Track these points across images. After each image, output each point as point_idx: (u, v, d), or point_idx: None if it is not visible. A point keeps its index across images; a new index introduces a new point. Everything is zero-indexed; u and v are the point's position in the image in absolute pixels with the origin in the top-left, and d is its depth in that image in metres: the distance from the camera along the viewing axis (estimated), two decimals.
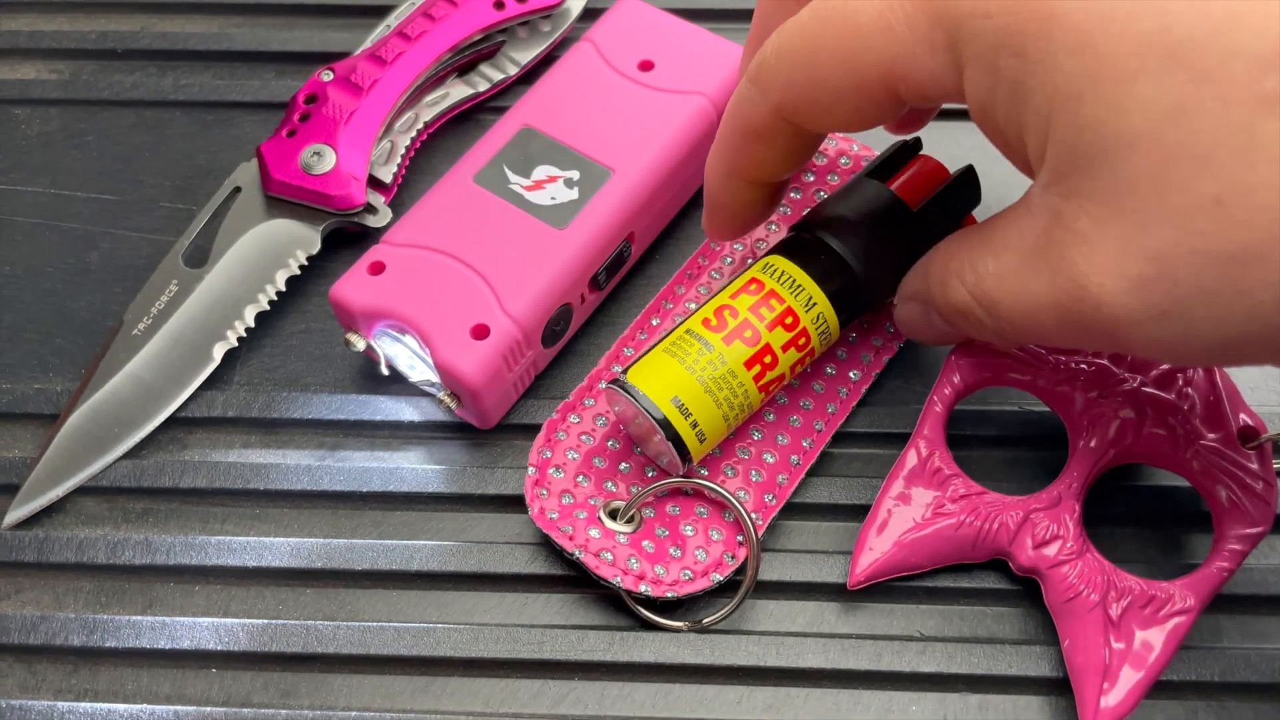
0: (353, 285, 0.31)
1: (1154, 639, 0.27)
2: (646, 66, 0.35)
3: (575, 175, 0.33)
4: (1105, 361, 0.30)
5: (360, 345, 0.32)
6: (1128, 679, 0.27)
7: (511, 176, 0.33)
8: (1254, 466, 0.29)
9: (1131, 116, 0.19)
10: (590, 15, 0.40)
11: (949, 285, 0.25)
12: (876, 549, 0.30)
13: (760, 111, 0.26)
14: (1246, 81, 0.18)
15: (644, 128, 0.34)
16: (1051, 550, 0.29)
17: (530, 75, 0.39)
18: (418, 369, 0.32)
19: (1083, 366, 0.30)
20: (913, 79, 0.23)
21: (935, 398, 0.31)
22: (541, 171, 0.33)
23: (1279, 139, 0.18)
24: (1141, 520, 0.31)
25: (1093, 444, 0.30)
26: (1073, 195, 0.21)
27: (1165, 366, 0.30)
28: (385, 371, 0.33)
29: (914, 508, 0.30)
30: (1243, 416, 0.29)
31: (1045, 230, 0.22)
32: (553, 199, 0.33)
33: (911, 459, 0.31)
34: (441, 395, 0.32)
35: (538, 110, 0.34)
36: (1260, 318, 0.19)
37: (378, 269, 0.32)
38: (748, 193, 0.29)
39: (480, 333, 0.31)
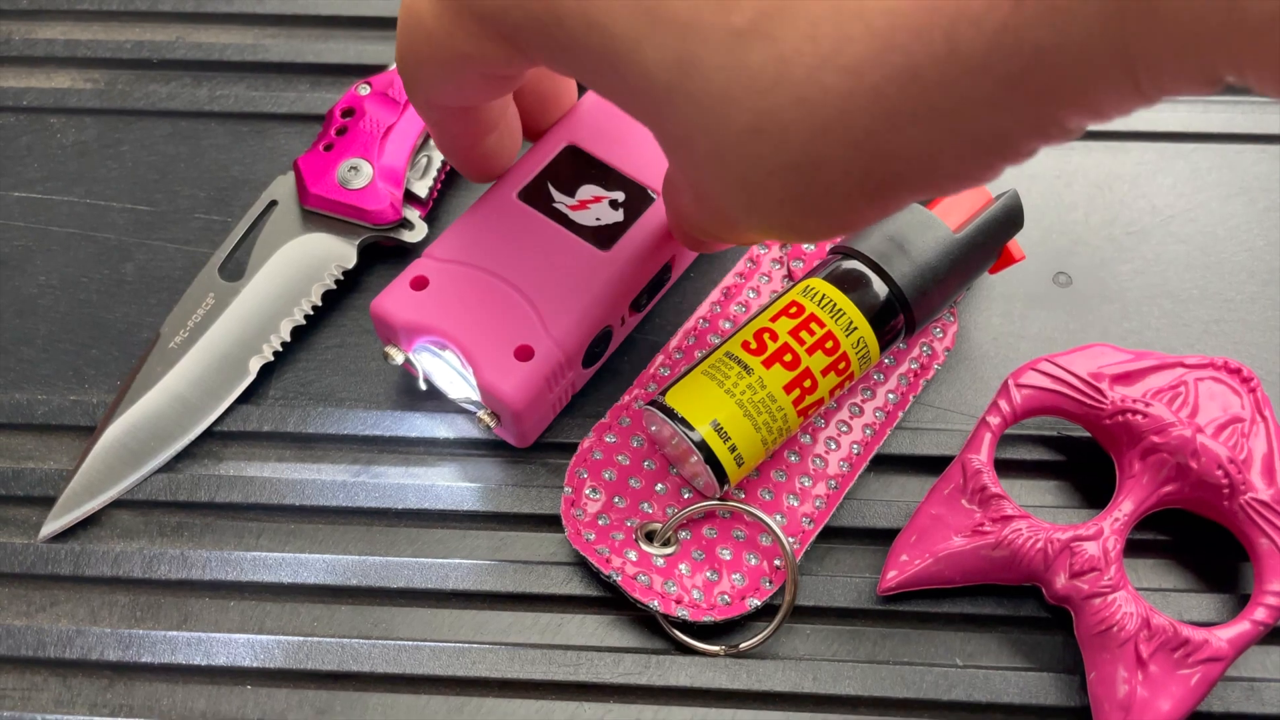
0: (395, 300, 0.31)
1: (1181, 683, 0.27)
2: None
3: (620, 197, 0.33)
4: (1161, 408, 0.30)
5: (399, 359, 0.32)
6: (1151, 716, 0.27)
7: (556, 195, 0.32)
8: None
9: (656, 76, 0.21)
10: None
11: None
12: (910, 558, 0.30)
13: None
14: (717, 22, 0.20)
15: None
16: (1087, 581, 0.29)
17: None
18: (456, 385, 0.32)
19: (1139, 407, 0.30)
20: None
21: (988, 419, 0.31)
22: (587, 191, 0.33)
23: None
24: (1182, 549, 0.31)
25: (1144, 481, 0.30)
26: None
27: (1222, 417, 0.30)
28: (423, 387, 0.32)
29: (953, 522, 0.30)
30: None
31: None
32: (597, 219, 0.32)
33: (957, 475, 0.30)
34: (481, 414, 0.31)
35: (582, 129, 0.34)
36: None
37: (420, 284, 0.31)
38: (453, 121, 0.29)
39: (524, 354, 0.30)
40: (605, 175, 0.33)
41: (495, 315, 0.30)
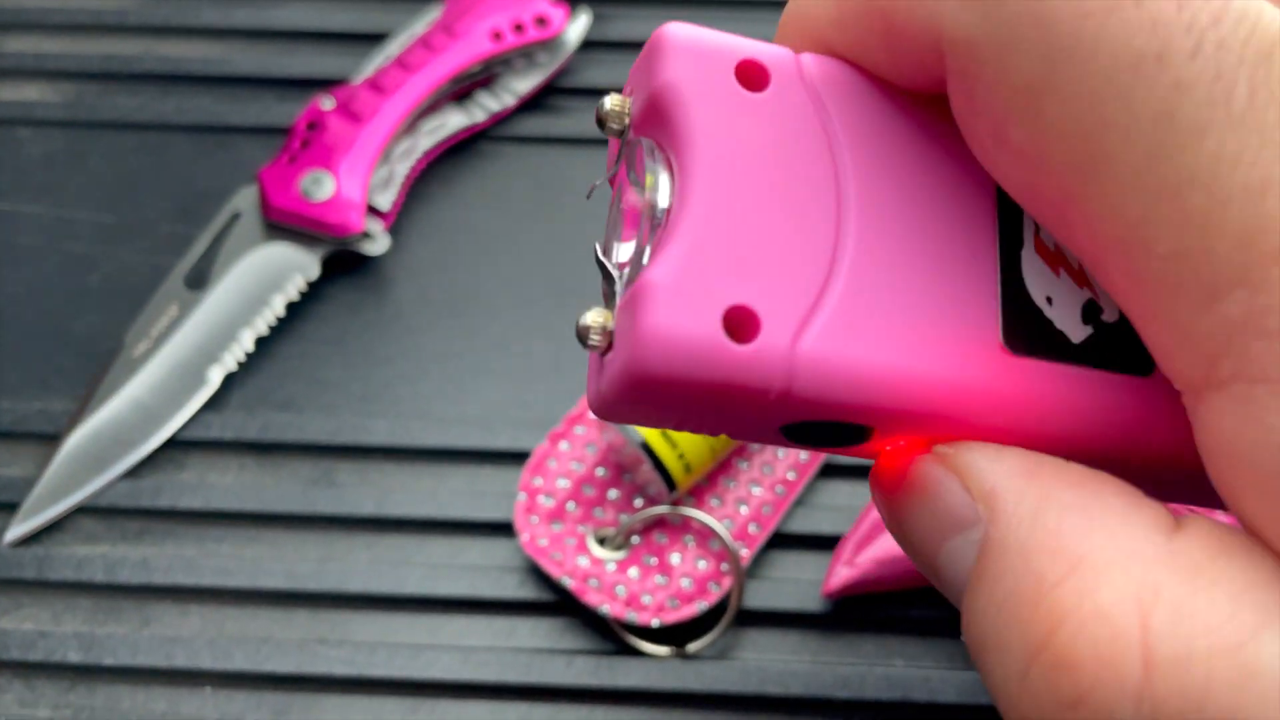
0: (701, 56, 0.17)
1: None
2: None
3: (1112, 317, 0.18)
4: None
5: (615, 112, 0.18)
6: None
7: (1029, 226, 0.18)
8: None
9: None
10: (589, 47, 0.41)
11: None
12: (854, 563, 0.31)
13: None
14: None
15: None
16: None
17: (535, 104, 0.40)
18: (618, 230, 0.18)
19: None
20: None
21: None
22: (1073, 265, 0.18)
23: None
24: None
25: None
26: None
27: None
28: (596, 184, 0.19)
29: None
30: None
31: None
32: (1048, 302, 0.17)
33: None
34: (591, 319, 0.16)
35: None
36: None
37: (753, 82, 0.17)
38: None
39: (737, 320, 0.16)
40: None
41: (774, 214, 0.16)
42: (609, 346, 0.16)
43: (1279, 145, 0.14)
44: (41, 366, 0.36)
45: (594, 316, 0.16)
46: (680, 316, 0.15)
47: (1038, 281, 0.17)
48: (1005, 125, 0.16)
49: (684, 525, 0.32)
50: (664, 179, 0.16)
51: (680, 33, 0.17)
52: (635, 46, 0.41)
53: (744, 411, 0.16)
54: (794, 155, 0.16)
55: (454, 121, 0.39)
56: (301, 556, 0.33)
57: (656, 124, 0.17)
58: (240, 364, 0.35)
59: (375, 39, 0.41)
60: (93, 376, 0.35)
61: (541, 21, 0.39)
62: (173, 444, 0.34)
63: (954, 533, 0.16)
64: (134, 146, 0.40)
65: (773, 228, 0.16)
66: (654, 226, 0.16)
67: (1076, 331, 0.17)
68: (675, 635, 0.31)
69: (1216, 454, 0.15)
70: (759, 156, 0.16)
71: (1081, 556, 0.14)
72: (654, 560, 0.31)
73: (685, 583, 0.31)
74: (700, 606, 0.31)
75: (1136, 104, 0.14)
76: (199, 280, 0.36)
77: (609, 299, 0.17)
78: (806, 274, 0.16)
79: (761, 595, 0.32)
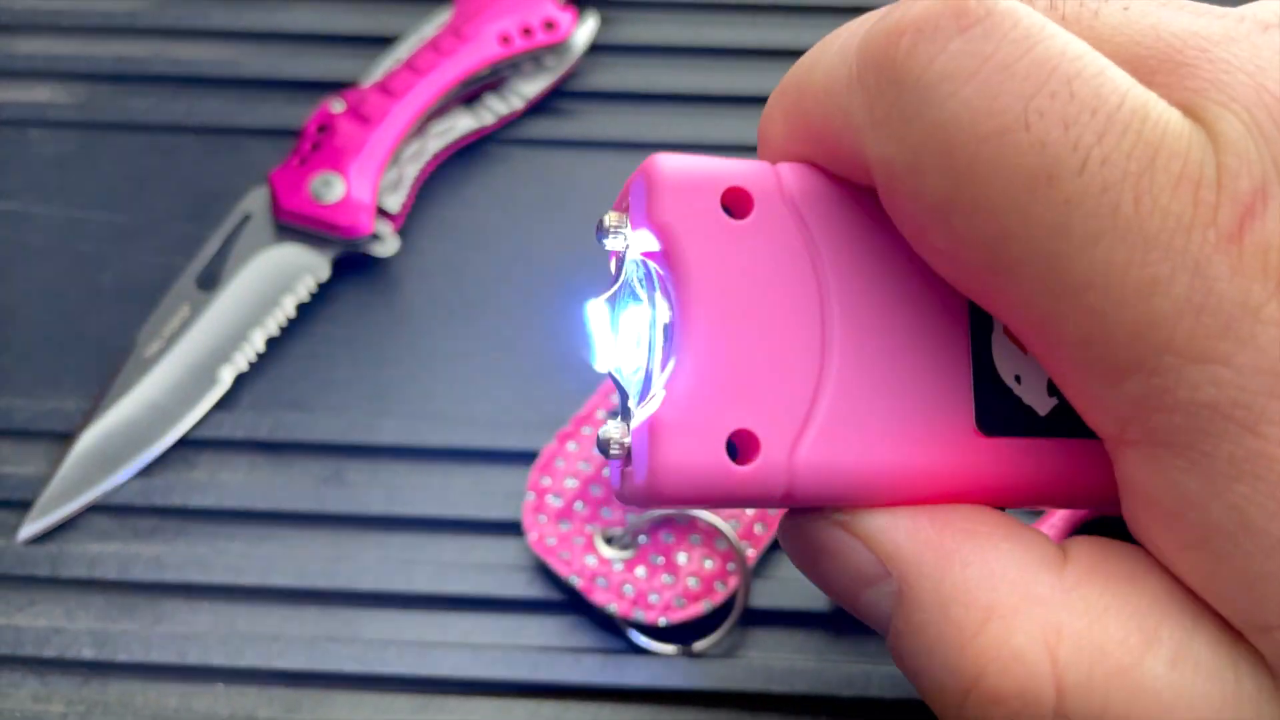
0: (688, 193, 0.18)
1: None
2: None
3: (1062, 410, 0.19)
4: None
5: (616, 227, 0.19)
6: None
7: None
8: None
9: None
10: (596, 51, 0.41)
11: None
12: None
13: None
14: None
15: None
16: None
17: (543, 107, 0.41)
18: (620, 349, 0.20)
19: None
20: None
21: None
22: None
23: None
24: None
25: None
26: None
27: None
28: (597, 304, 0.19)
29: None
30: None
31: None
32: (1016, 381, 0.19)
33: None
34: (610, 431, 0.19)
35: None
36: None
37: (738, 208, 0.18)
38: None
39: (740, 444, 0.18)
40: None
41: (765, 335, 0.18)
42: (628, 457, 0.18)
43: (1164, 248, 0.15)
44: (54, 366, 0.36)
45: (612, 430, 0.19)
46: (688, 450, 0.17)
47: (1007, 362, 0.19)
48: (925, 233, 0.17)
49: (690, 525, 0.32)
50: (662, 303, 0.18)
51: (669, 167, 0.18)
52: (643, 50, 0.42)
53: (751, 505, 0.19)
54: (781, 277, 0.18)
55: (463, 124, 0.40)
56: (312, 555, 0.33)
57: (654, 251, 0.18)
58: (251, 364, 0.36)
59: (385, 42, 0.42)
60: (105, 376, 0.36)
61: (550, 25, 0.40)
62: (184, 443, 0.35)
63: (867, 586, 0.19)
64: (145, 148, 0.41)
65: (765, 350, 0.18)
66: (656, 345, 0.18)
67: (1043, 405, 0.19)
68: (682, 634, 0.32)
69: (1131, 497, 0.17)
70: (749, 282, 0.18)
71: (991, 607, 0.17)
72: (661, 559, 0.32)
73: (692, 582, 0.31)
74: (706, 605, 0.31)
75: (1033, 220, 0.16)
76: (210, 281, 0.36)
77: (624, 412, 0.19)
78: (798, 391, 0.18)
79: (767, 594, 0.32)
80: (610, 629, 0.32)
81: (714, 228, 0.18)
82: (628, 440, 0.18)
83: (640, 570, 0.31)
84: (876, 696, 0.31)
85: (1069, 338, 0.16)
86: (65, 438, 0.35)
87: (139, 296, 0.37)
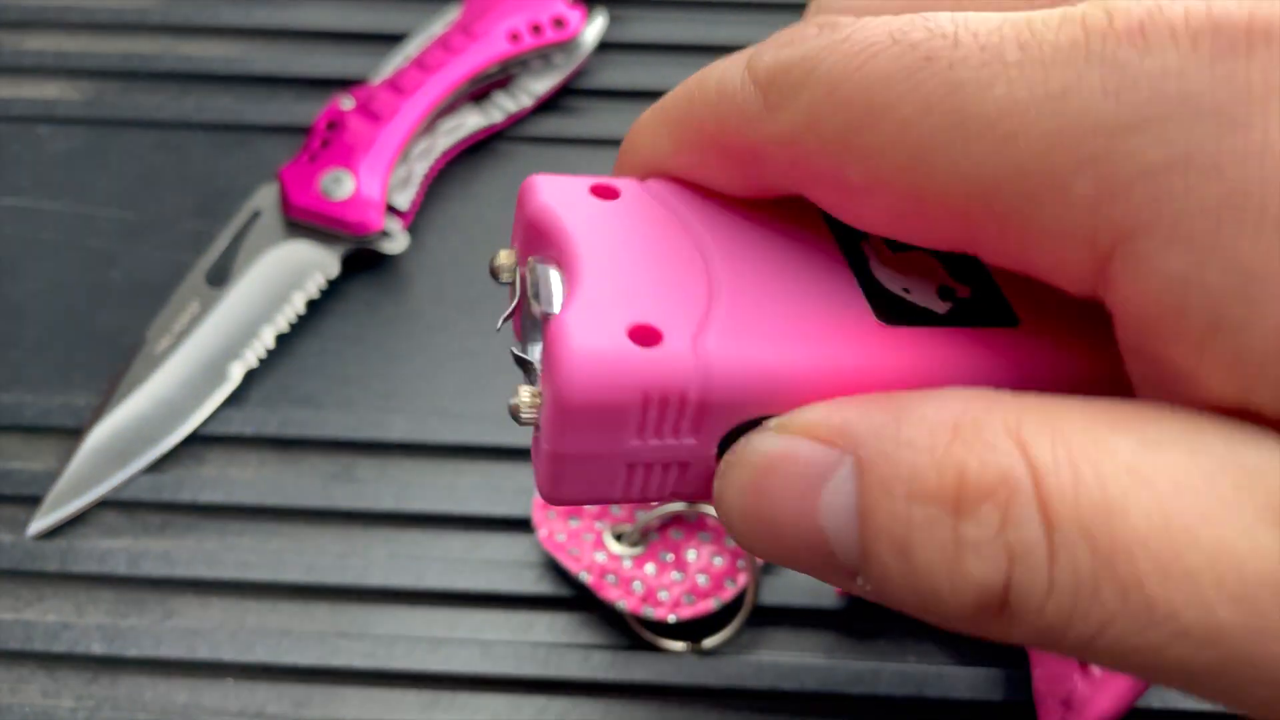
0: (558, 185, 0.20)
1: (1121, 679, 0.29)
2: None
3: (965, 293, 0.20)
4: None
5: (508, 264, 0.20)
6: (1093, 712, 0.28)
7: (872, 254, 0.20)
8: None
9: None
10: (605, 49, 0.41)
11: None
12: None
13: None
14: None
15: None
16: None
17: (552, 105, 0.41)
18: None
19: None
20: None
21: None
22: (919, 258, 0.20)
23: None
24: None
25: None
26: None
27: None
28: (500, 322, 0.21)
29: None
30: None
31: None
32: (905, 291, 0.20)
33: None
34: (521, 395, 0.18)
35: None
36: None
37: (605, 194, 0.20)
38: None
39: (643, 336, 0.17)
40: (965, 262, 0.20)
41: (651, 267, 0.19)
42: (539, 426, 0.18)
43: (1062, 64, 0.16)
44: (64, 361, 0.36)
45: (523, 394, 0.18)
46: (591, 337, 0.17)
47: (891, 280, 0.20)
48: (839, 173, 0.18)
49: (700, 522, 0.32)
50: (555, 276, 0.19)
51: (539, 177, 0.20)
52: (651, 48, 0.42)
53: (676, 441, 0.18)
54: (657, 232, 0.19)
55: (472, 122, 0.40)
56: (321, 550, 0.33)
57: (540, 245, 0.19)
58: (261, 360, 0.36)
59: (394, 39, 0.42)
60: (115, 372, 0.36)
61: (559, 23, 0.40)
62: (194, 439, 0.35)
63: (823, 483, 0.17)
64: (154, 144, 0.41)
65: (654, 276, 0.18)
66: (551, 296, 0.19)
67: (939, 307, 0.19)
68: (691, 631, 0.32)
69: (1130, 322, 0.17)
70: (628, 235, 0.19)
71: (955, 425, 0.16)
72: (670, 556, 0.32)
73: (701, 579, 0.31)
74: (716, 602, 0.31)
75: (928, 94, 0.16)
76: (220, 277, 0.37)
77: (532, 378, 0.19)
78: (692, 302, 0.18)
79: (776, 591, 0.32)
80: (619, 625, 0.32)
81: (587, 206, 0.19)
82: (539, 399, 0.18)
83: (649, 567, 0.31)
84: (885, 694, 0.31)
85: (1009, 191, 0.16)
86: (75, 433, 0.35)
87: (149, 293, 0.37)
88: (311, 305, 0.37)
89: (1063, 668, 0.29)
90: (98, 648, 0.32)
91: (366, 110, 0.38)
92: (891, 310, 0.19)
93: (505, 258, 0.20)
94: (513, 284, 0.20)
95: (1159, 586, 0.15)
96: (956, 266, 0.20)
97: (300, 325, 0.37)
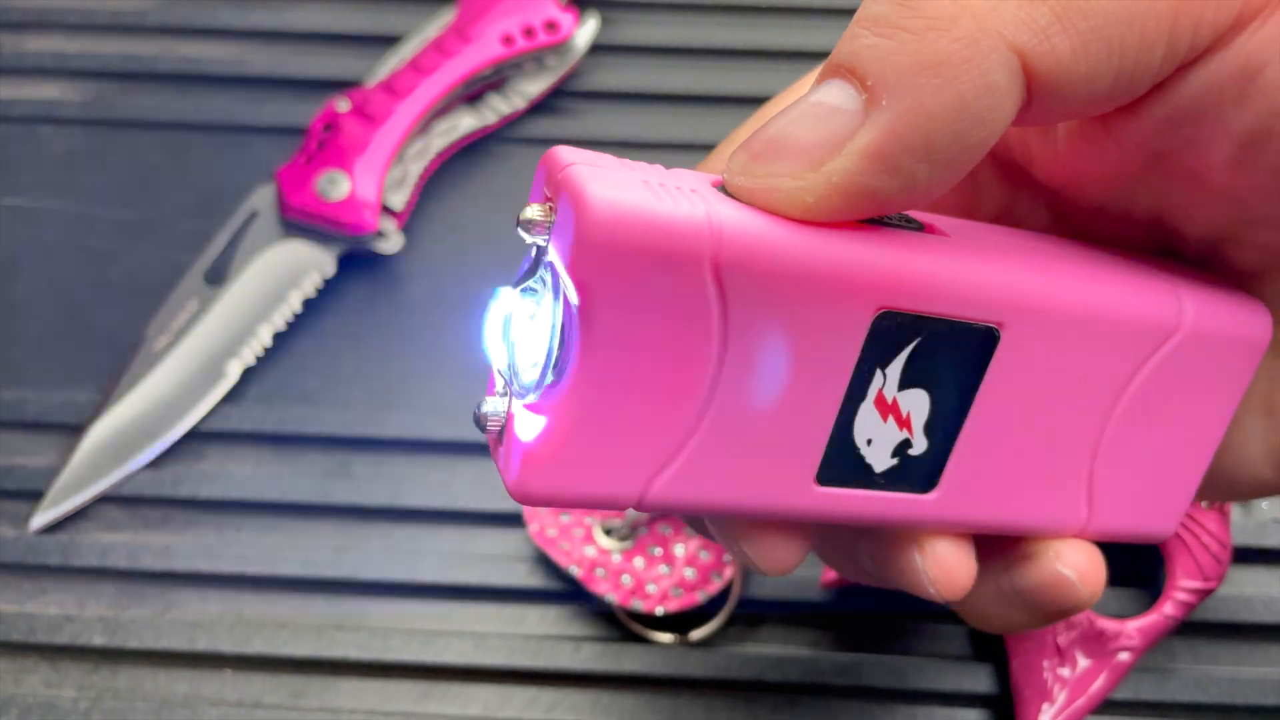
0: (615, 227, 0.17)
1: (1096, 671, 0.30)
2: None
3: (913, 447, 0.21)
4: None
5: (539, 221, 0.19)
6: (1067, 703, 0.29)
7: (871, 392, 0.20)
8: (1212, 528, 0.31)
9: None
10: (597, 51, 0.42)
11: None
12: None
13: None
14: None
15: None
16: None
17: (544, 107, 0.41)
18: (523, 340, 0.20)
19: None
20: None
21: None
22: (913, 398, 0.20)
23: None
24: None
25: None
26: None
27: None
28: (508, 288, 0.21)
29: None
30: None
31: None
32: (868, 443, 0.20)
33: None
34: (485, 408, 0.20)
35: None
36: None
37: (663, 265, 0.18)
38: None
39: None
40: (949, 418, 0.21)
41: (649, 394, 0.18)
42: (500, 436, 0.20)
43: None
44: (64, 359, 0.37)
45: (491, 406, 0.19)
46: (556, 478, 0.18)
47: (865, 428, 0.20)
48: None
49: None
50: (559, 309, 0.18)
51: (601, 211, 0.17)
52: (643, 51, 0.43)
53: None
54: (683, 340, 0.18)
55: (466, 123, 0.40)
56: (318, 545, 0.34)
57: (563, 270, 0.18)
58: (258, 358, 0.37)
59: (389, 41, 0.42)
60: (115, 369, 0.36)
61: (551, 26, 0.40)
62: (193, 435, 0.35)
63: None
64: (153, 145, 0.42)
65: (647, 399, 0.18)
66: (551, 345, 0.19)
67: (881, 464, 0.20)
68: (679, 623, 0.32)
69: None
70: (652, 338, 0.18)
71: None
72: (659, 550, 0.32)
73: (689, 572, 0.32)
74: (703, 595, 0.32)
75: None
76: (218, 276, 0.37)
77: (508, 392, 0.20)
78: (667, 438, 0.19)
79: (762, 585, 0.33)
80: (609, 618, 0.33)
81: (631, 290, 0.18)
82: (502, 421, 0.20)
83: (638, 561, 0.32)
84: (868, 685, 0.31)
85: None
86: (76, 430, 0.35)
87: (148, 292, 0.38)
88: (308, 304, 0.38)
89: (1037, 659, 0.30)
90: (99, 639, 0.32)
91: (362, 112, 0.39)
92: (834, 468, 0.20)
93: (539, 213, 0.19)
94: (536, 251, 0.19)
95: None
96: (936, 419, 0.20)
97: (297, 324, 0.37)
